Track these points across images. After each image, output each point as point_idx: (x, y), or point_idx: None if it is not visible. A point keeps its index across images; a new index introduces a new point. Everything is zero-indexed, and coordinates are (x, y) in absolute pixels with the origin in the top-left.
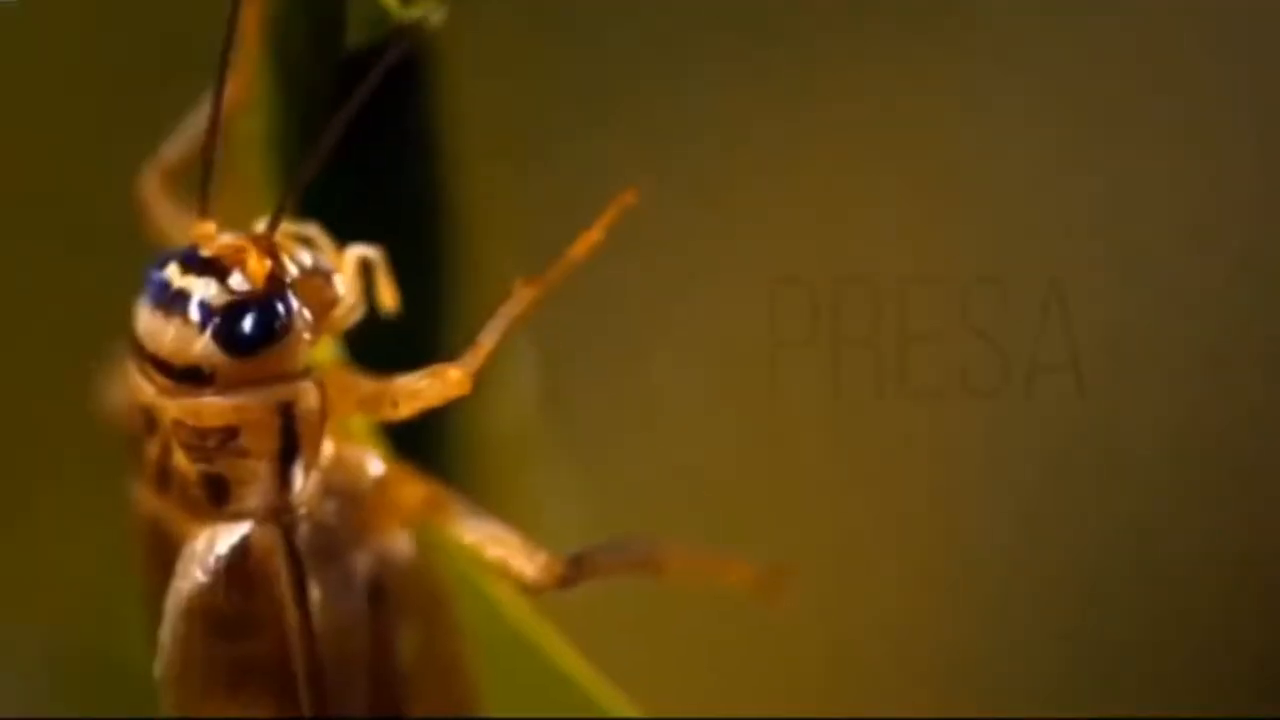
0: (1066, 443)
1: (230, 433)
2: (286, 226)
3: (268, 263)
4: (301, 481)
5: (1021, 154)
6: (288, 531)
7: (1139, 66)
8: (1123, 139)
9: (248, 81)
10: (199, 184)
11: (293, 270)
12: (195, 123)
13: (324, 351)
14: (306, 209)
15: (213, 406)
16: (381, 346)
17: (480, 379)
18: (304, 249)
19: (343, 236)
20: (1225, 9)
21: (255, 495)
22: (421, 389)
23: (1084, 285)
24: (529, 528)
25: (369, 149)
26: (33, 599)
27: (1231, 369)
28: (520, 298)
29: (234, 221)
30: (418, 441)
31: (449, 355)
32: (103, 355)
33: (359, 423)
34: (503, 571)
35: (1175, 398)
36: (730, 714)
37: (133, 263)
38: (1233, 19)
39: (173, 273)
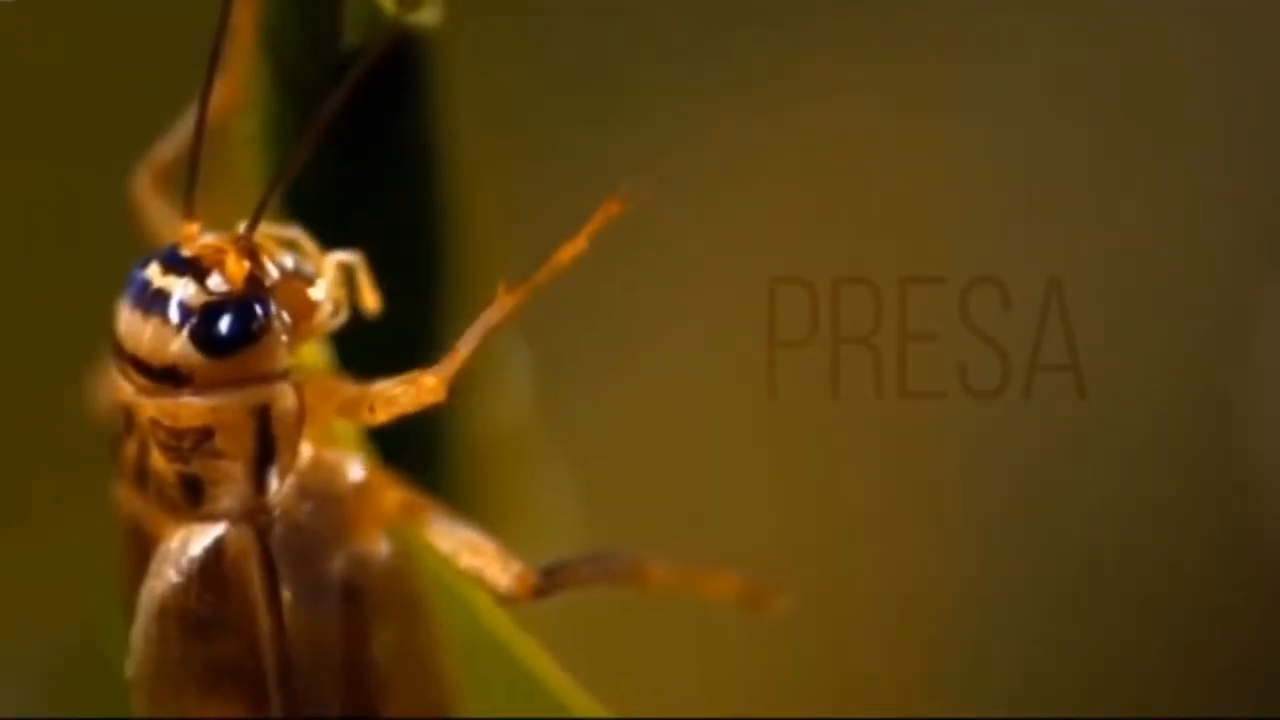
0: (1066, 443)
1: (206, 433)
2: (269, 229)
3: (246, 264)
4: (277, 484)
5: (1021, 154)
6: (262, 534)
7: (1139, 67)
8: (1123, 140)
9: (242, 82)
10: (185, 185)
11: (273, 273)
12: (188, 123)
13: (312, 356)
14: (304, 210)
15: (189, 407)
16: (379, 350)
17: (457, 386)
18: (286, 252)
19: (339, 238)
20: (1225, 9)
21: (230, 497)
22: (397, 395)
23: (1084, 285)
24: (525, 529)
25: (366, 150)
26: (33, 599)
27: (1231, 369)
28: (501, 305)
29: (230, 224)
30: (413, 442)
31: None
32: (100, 355)
33: (344, 427)
34: (477, 580)
35: (1175, 398)
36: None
37: (131, 262)
38: (1233, 19)
39: (153, 273)
